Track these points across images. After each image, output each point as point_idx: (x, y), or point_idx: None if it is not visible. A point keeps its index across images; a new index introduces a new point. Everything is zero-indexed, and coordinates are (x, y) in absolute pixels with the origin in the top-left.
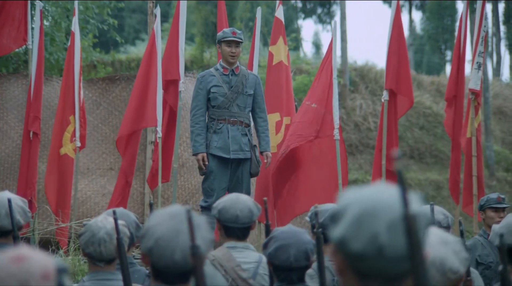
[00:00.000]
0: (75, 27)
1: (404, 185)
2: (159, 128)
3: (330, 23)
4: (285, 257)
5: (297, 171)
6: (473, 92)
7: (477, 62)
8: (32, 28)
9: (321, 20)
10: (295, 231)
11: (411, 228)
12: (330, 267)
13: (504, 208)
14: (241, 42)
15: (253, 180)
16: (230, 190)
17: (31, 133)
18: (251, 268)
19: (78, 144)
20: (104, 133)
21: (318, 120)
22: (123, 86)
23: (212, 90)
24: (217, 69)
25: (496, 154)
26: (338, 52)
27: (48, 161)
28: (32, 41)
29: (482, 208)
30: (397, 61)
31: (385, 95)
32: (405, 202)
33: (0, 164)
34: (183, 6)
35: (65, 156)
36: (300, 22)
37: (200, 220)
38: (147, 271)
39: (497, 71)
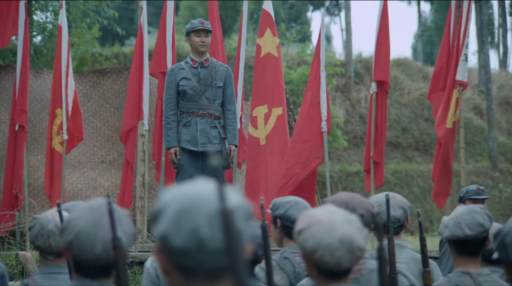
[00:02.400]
0: (63, 21)
1: (220, 180)
2: (145, 121)
3: (338, 15)
4: None
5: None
6: (460, 83)
7: (464, 54)
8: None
9: (329, 12)
10: None
11: (228, 222)
12: (292, 259)
13: (483, 199)
14: (210, 32)
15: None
16: None
17: (16, 126)
18: None
19: (65, 137)
20: (95, 126)
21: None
22: (114, 79)
23: (180, 83)
24: (186, 62)
25: (501, 145)
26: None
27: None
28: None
29: (461, 200)
30: (384, 53)
31: (373, 87)
32: (221, 197)
33: None
34: (170, 6)
35: (54, 149)
36: (309, 14)
37: (122, 213)
38: None
39: (503, 62)
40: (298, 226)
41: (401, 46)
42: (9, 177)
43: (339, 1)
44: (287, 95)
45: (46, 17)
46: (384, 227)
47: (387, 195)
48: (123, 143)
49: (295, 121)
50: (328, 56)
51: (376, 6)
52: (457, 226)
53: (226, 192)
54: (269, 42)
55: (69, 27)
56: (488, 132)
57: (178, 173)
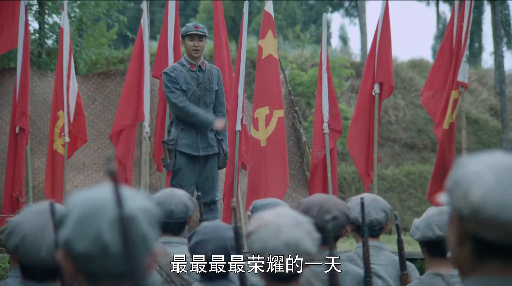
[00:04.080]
0: (64, 23)
1: (117, 186)
2: (146, 123)
3: (357, 16)
4: (203, 252)
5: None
6: (462, 85)
7: (465, 55)
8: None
9: (348, 13)
10: (217, 227)
11: (125, 228)
12: None
13: None
14: (205, 36)
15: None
16: (199, 185)
17: (17, 129)
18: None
19: (67, 139)
20: (100, 128)
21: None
22: (118, 81)
23: (182, 87)
24: (183, 65)
25: None
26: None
27: (47, 156)
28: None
29: None
30: (386, 54)
31: (376, 89)
32: (119, 202)
33: (1, 159)
34: (172, 6)
35: (56, 152)
36: (328, 15)
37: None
38: None
39: None
40: (248, 228)
41: (421, 47)
42: (9, 180)
43: (358, 2)
44: (292, 97)
45: (60, 19)
46: (359, 230)
47: (362, 198)
48: (113, 142)
49: (300, 122)
50: (340, 58)
51: (394, 7)
52: (427, 227)
53: (126, 196)
54: (270, 44)
55: (80, 29)
56: (502, 133)
57: (174, 177)
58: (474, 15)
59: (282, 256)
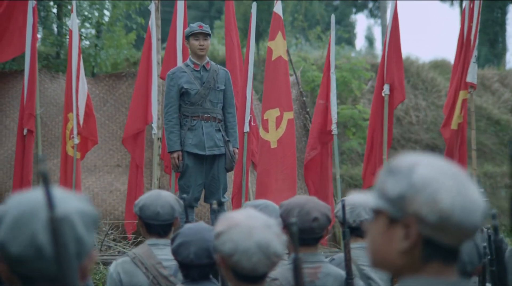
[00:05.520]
0: (73, 25)
1: (48, 187)
2: (154, 125)
3: (380, 17)
4: (185, 254)
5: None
6: (471, 85)
7: (474, 55)
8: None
9: (372, 14)
10: (200, 228)
11: (56, 230)
12: None
13: None
14: (209, 35)
15: (252, 177)
16: (206, 186)
17: (25, 131)
18: (173, 266)
19: (76, 141)
20: (111, 130)
21: (324, 114)
22: (130, 83)
23: (184, 87)
24: (187, 65)
25: None
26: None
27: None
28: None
29: None
30: (396, 55)
31: (385, 90)
32: (49, 203)
33: (8, 161)
34: (180, 6)
35: (67, 154)
36: (353, 16)
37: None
38: None
39: None
40: (217, 228)
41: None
42: (17, 182)
43: (380, 2)
44: (304, 98)
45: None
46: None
47: (343, 201)
48: (127, 147)
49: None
50: (360, 60)
51: (417, 8)
52: None
53: (61, 198)
54: (280, 45)
55: (98, 31)
56: None
57: (182, 177)
58: (497, 16)
59: (254, 257)
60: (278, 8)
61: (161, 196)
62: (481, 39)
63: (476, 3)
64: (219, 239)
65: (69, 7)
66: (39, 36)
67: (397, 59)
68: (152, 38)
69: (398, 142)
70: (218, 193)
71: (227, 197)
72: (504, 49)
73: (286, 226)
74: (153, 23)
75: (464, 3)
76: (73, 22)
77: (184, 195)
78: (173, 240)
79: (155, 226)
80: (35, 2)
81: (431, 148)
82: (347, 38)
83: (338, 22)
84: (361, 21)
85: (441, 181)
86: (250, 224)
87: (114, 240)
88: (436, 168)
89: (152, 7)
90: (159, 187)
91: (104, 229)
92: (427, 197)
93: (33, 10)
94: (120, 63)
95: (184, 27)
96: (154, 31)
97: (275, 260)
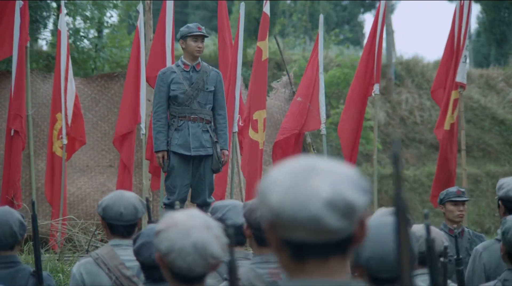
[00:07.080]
0: (62, 25)
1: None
2: (142, 125)
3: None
4: (147, 255)
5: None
6: (461, 85)
7: (464, 55)
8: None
9: None
10: None
11: None
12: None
13: (464, 201)
14: (206, 37)
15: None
16: (193, 186)
17: (12, 131)
18: (136, 266)
19: (65, 141)
20: (103, 130)
21: (303, 114)
22: (122, 83)
23: (172, 87)
24: (178, 66)
25: None
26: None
27: (47, 158)
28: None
29: (442, 202)
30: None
31: (375, 89)
32: None
33: (1, 162)
34: (169, 6)
35: (54, 154)
36: (361, 16)
37: None
38: (31, 270)
39: None
40: (157, 227)
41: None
42: (5, 182)
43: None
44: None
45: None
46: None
47: None
48: (117, 147)
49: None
50: (352, 59)
51: (424, 8)
52: None
53: None
54: (267, 46)
55: (100, 31)
56: None
57: (169, 177)
58: (504, 15)
59: (189, 257)
60: (267, 8)
61: (124, 197)
62: (488, 39)
63: (466, 3)
64: (157, 238)
65: (71, 7)
66: (40, 36)
67: (373, 57)
68: (141, 38)
69: (403, 142)
70: (204, 193)
71: (214, 198)
72: (511, 49)
73: (249, 226)
74: (141, 23)
75: (456, 3)
76: (61, 22)
77: (147, 196)
78: (135, 240)
79: (118, 226)
80: (22, 2)
81: (436, 148)
82: (353, 38)
83: (347, 22)
84: (369, 21)
85: (277, 179)
86: (189, 223)
87: (101, 240)
88: (284, 168)
89: (141, 7)
90: (150, 188)
91: (91, 229)
92: (262, 198)
93: (22, 10)
94: (121, 61)
95: (173, 28)
96: (142, 32)
97: (212, 262)
